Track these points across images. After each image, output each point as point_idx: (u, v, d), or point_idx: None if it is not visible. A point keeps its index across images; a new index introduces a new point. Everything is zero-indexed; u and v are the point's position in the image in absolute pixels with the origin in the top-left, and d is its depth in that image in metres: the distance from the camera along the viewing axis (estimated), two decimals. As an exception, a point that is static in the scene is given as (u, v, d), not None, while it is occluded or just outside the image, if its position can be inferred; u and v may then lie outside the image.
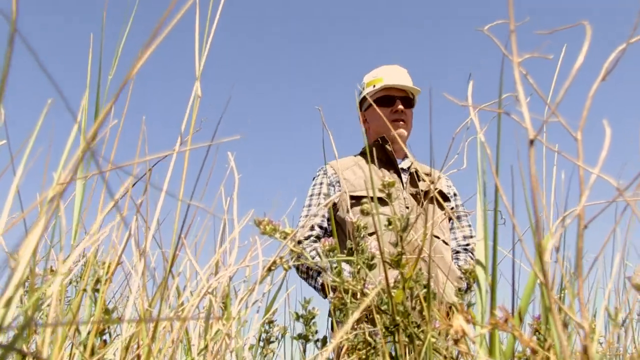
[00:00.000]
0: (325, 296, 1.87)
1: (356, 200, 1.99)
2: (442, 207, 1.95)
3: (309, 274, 1.92)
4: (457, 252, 2.08)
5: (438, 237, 1.99)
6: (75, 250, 0.75)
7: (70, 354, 0.79)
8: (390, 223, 0.90)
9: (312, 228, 1.98)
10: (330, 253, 0.91)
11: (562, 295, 0.81)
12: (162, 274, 0.81)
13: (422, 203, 1.95)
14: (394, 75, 2.19)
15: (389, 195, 0.93)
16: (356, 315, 0.90)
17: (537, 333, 0.83)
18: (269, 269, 0.95)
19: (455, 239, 2.12)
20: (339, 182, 2.09)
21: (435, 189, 2.03)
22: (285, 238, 0.92)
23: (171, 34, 0.40)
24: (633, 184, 0.47)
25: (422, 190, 2.01)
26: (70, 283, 0.96)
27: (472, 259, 2.03)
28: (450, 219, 2.12)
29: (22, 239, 0.35)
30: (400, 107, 2.13)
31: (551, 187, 0.79)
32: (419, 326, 0.85)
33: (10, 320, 0.41)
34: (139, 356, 0.81)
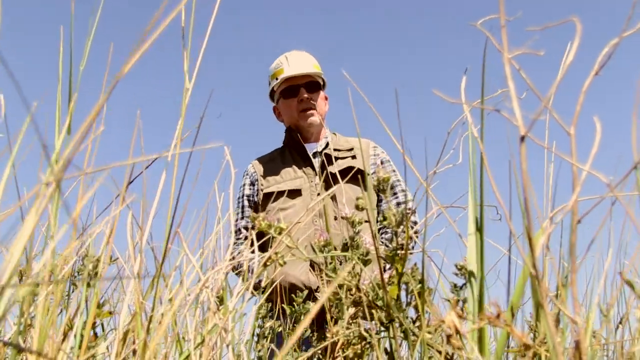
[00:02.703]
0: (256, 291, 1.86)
1: (270, 196, 2.05)
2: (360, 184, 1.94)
3: (240, 272, 1.92)
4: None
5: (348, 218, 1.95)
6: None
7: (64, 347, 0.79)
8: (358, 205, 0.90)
9: (239, 231, 2.02)
10: (325, 248, 0.91)
11: (557, 293, 0.81)
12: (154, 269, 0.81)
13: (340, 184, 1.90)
14: (293, 63, 2.16)
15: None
16: (351, 310, 0.91)
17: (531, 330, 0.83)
18: (265, 264, 0.95)
19: (389, 209, 2.03)
20: (258, 180, 2.15)
21: (352, 166, 2.03)
22: (280, 234, 0.92)
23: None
24: (623, 180, 0.47)
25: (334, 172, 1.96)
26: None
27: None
28: (378, 192, 2.07)
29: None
30: (305, 95, 2.12)
31: (546, 183, 0.79)
32: (414, 321, 0.85)
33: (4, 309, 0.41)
34: (134, 351, 0.81)
